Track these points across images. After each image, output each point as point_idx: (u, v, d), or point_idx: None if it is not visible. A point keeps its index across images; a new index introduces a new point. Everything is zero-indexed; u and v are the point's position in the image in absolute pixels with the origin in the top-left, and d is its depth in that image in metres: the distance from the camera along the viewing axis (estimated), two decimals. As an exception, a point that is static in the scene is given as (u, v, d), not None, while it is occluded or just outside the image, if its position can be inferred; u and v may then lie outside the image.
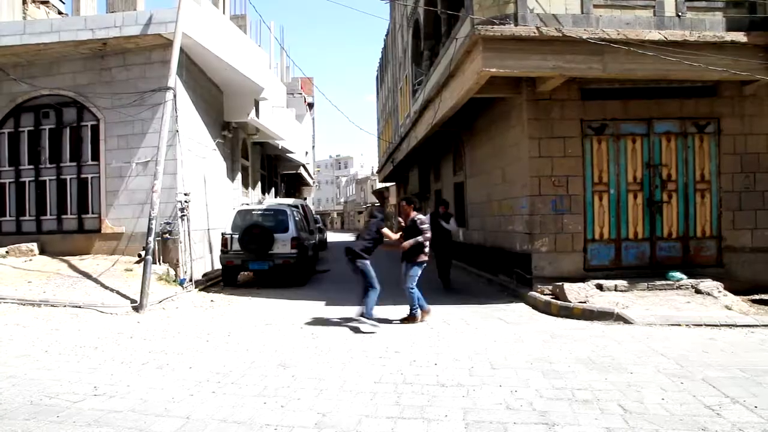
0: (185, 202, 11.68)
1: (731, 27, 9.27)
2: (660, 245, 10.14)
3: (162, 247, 11.30)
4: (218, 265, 12.92)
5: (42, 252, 11.75)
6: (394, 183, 40.81)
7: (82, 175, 12.09)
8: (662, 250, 10.14)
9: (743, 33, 9.03)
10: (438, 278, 11.38)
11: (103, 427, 4.09)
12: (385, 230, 8.15)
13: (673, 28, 9.20)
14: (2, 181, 12.43)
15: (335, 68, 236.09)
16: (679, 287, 9.28)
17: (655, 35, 8.85)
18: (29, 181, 12.32)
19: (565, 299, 8.62)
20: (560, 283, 8.98)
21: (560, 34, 8.76)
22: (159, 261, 11.16)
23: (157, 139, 10.59)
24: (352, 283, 13.11)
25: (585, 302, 8.46)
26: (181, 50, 11.07)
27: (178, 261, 11.41)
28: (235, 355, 6.21)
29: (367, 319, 7.57)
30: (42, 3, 17.38)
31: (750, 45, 9.02)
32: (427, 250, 8.12)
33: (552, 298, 8.96)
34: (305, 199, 33.21)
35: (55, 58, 11.90)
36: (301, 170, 31.11)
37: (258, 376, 5.36)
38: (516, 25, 8.95)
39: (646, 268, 9.99)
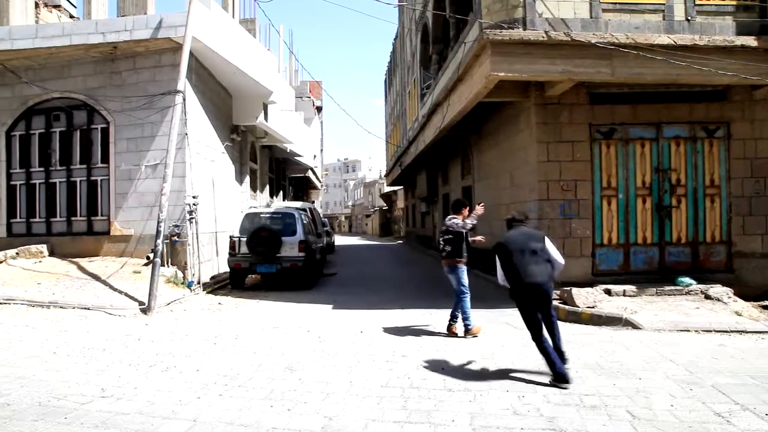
0: (194, 204, 11.74)
1: (741, 31, 9.22)
2: (669, 250, 10.08)
3: (170, 249, 11.36)
4: (226, 268, 12.95)
5: (51, 254, 11.83)
6: (401, 187, 40.82)
7: (92, 178, 12.17)
8: (671, 255, 10.08)
9: (754, 37, 8.98)
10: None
11: (110, 429, 4.10)
12: None
13: (683, 33, 9.16)
14: (13, 183, 12.52)
15: (343, 71, 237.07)
16: (688, 293, 9.22)
17: (664, 39, 8.81)
18: (39, 183, 12.41)
19: (573, 304, 8.58)
20: (568, 288, 8.95)
21: (569, 39, 8.74)
22: (167, 263, 11.21)
23: (166, 142, 10.65)
24: (360, 286, 13.18)
25: (593, 307, 8.41)
26: (191, 54, 11.14)
27: (186, 263, 11.46)
28: (242, 358, 6.22)
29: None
30: (54, 7, 17.54)
31: (761, 49, 8.95)
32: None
33: (560, 302, 8.92)
34: (313, 202, 33.25)
35: (66, 62, 12.00)
36: (309, 173, 31.16)
37: (265, 379, 5.37)
38: (524, 29, 8.95)
39: (655, 274, 9.94)
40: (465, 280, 7.39)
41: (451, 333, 7.40)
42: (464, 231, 7.29)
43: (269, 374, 5.56)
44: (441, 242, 7.52)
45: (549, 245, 5.47)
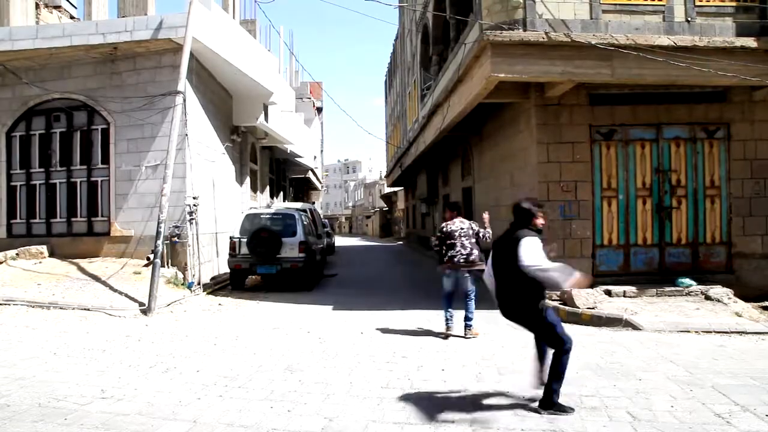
0: (194, 205, 11.75)
1: (741, 32, 9.22)
2: (669, 251, 10.08)
3: (171, 250, 11.36)
4: (226, 269, 12.95)
5: (52, 254, 11.83)
6: (402, 188, 40.82)
7: (92, 179, 12.17)
8: (671, 256, 10.08)
9: (753, 38, 8.97)
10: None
11: (110, 430, 4.10)
12: None
13: (683, 34, 9.16)
14: (13, 183, 12.53)
15: (344, 72, 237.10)
16: (688, 293, 9.22)
17: (664, 41, 8.81)
18: (40, 184, 12.42)
19: (574, 305, 8.57)
20: (568, 289, 8.94)
21: (569, 40, 8.74)
22: (167, 264, 11.22)
23: (166, 142, 10.65)
24: (360, 288, 13.18)
25: (593, 308, 8.41)
26: (191, 55, 11.14)
27: (186, 264, 11.46)
28: (242, 359, 6.22)
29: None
30: (54, 8, 17.57)
31: (760, 50, 8.95)
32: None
33: (560, 303, 8.91)
34: (313, 203, 33.26)
35: (66, 62, 12.01)
36: (310, 174, 31.17)
37: (265, 380, 5.37)
38: (525, 30, 8.95)
39: (656, 274, 9.93)
40: None
41: (473, 334, 7.35)
42: (489, 240, 7.25)
43: (269, 375, 5.56)
44: (468, 245, 7.28)
45: (523, 249, 4.32)
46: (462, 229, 7.40)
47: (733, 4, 9.51)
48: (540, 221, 4.68)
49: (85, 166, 12.19)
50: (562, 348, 4.43)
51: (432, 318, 8.60)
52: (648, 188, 10.10)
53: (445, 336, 7.41)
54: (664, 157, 10.11)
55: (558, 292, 9.20)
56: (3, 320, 8.15)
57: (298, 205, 18.76)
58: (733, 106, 10.08)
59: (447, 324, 7.51)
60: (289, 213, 13.09)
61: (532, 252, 4.33)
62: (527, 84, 9.91)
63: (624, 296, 9.21)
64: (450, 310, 7.53)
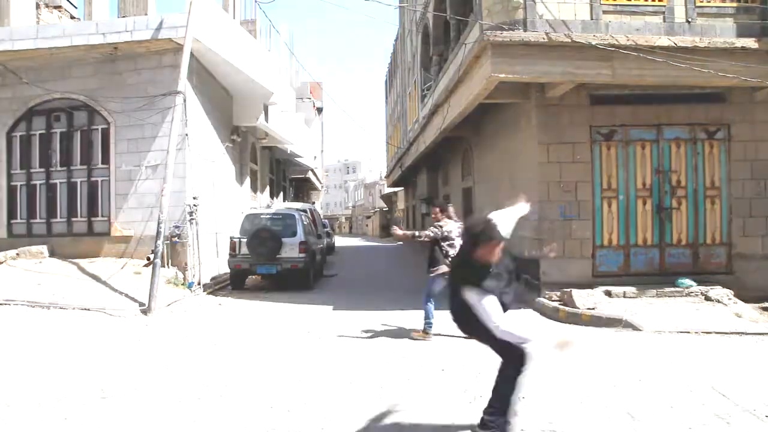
0: (194, 205, 11.74)
1: (742, 33, 9.20)
2: (669, 252, 10.06)
3: (171, 250, 11.35)
4: (226, 269, 12.94)
5: (52, 254, 11.82)
6: (402, 188, 40.83)
7: (92, 179, 12.17)
8: (671, 256, 10.06)
9: (754, 39, 8.95)
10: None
11: (110, 430, 4.10)
12: None
13: (683, 34, 9.15)
14: (14, 183, 12.52)
15: (344, 72, 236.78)
16: (688, 294, 9.20)
17: (664, 41, 8.80)
18: (40, 184, 12.41)
19: (574, 306, 8.57)
20: (568, 290, 8.94)
21: (569, 40, 8.73)
22: (168, 264, 11.21)
23: (166, 142, 10.65)
24: (360, 288, 13.20)
25: (593, 309, 8.41)
26: (192, 55, 11.14)
27: (186, 264, 11.46)
28: (242, 359, 6.22)
29: None
30: (55, 8, 17.53)
31: (761, 51, 8.93)
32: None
33: (560, 304, 8.91)
34: (313, 203, 33.26)
35: (66, 63, 12.00)
36: (310, 174, 31.17)
37: (265, 380, 5.37)
38: (525, 30, 8.94)
39: (655, 275, 9.91)
40: None
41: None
42: None
43: (269, 375, 5.57)
44: None
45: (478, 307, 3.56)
46: (457, 229, 7.42)
47: (734, 4, 9.51)
48: (484, 254, 3.49)
49: (85, 166, 12.19)
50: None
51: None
52: (648, 189, 10.09)
53: (424, 335, 7.32)
54: (664, 157, 10.10)
55: (558, 293, 9.21)
56: (3, 320, 8.14)
57: (298, 205, 18.78)
58: (733, 107, 10.06)
59: (429, 326, 7.33)
60: (289, 213, 13.10)
61: (487, 314, 3.47)
62: (528, 84, 9.90)
63: (624, 297, 9.20)
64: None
